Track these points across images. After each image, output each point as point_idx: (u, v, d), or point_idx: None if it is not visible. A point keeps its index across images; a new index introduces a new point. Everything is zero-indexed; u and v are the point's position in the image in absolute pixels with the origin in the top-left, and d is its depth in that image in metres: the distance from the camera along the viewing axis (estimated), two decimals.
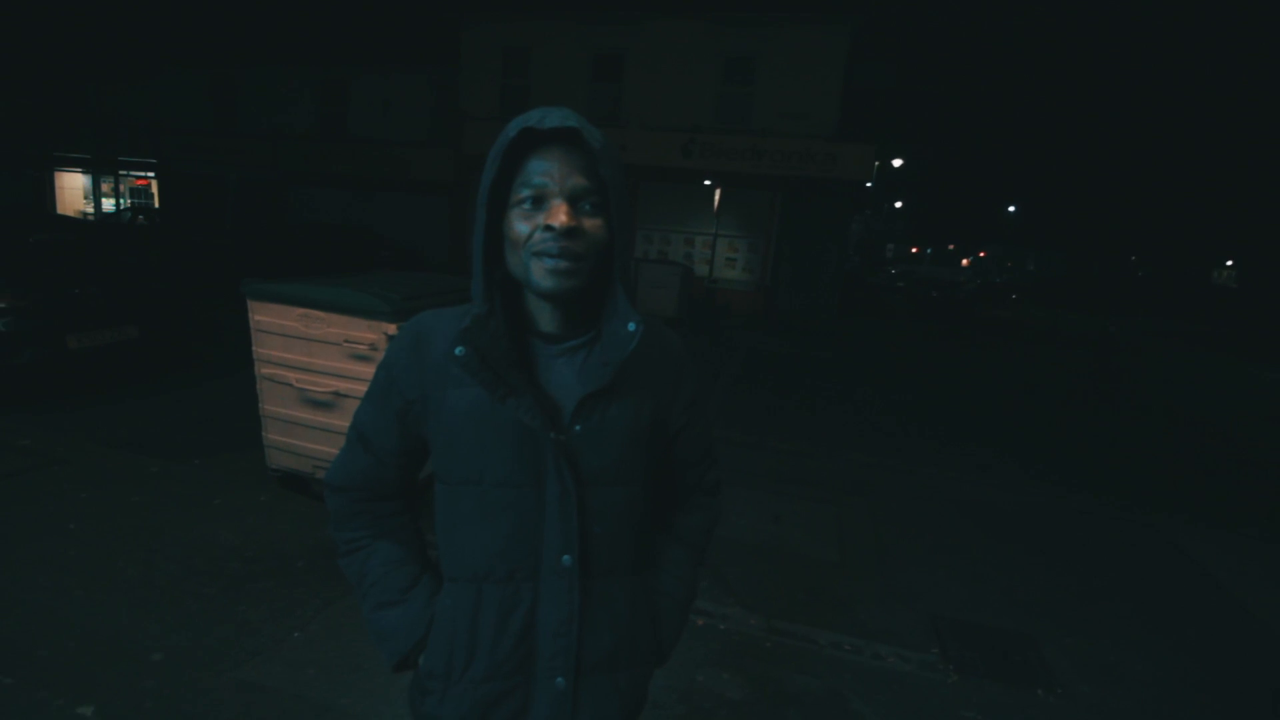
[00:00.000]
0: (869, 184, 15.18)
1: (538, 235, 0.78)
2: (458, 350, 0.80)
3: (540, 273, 0.79)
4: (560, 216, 0.77)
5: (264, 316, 3.40)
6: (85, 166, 19.74)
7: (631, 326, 0.84)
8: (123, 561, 2.80)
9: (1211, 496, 4.98)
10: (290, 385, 3.40)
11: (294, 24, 16.62)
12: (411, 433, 0.91)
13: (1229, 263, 30.05)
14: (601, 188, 0.80)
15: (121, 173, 19.38)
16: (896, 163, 23.95)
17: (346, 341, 3.22)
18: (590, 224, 0.80)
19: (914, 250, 51.99)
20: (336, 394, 3.31)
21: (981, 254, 47.72)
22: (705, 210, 14.54)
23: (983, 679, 2.59)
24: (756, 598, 3.01)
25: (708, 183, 14.02)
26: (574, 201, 0.79)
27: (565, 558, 0.85)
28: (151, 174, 18.96)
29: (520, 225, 0.79)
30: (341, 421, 3.31)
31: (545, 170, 0.78)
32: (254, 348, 3.47)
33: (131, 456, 3.90)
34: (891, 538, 3.78)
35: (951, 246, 50.04)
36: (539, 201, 0.79)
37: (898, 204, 42.08)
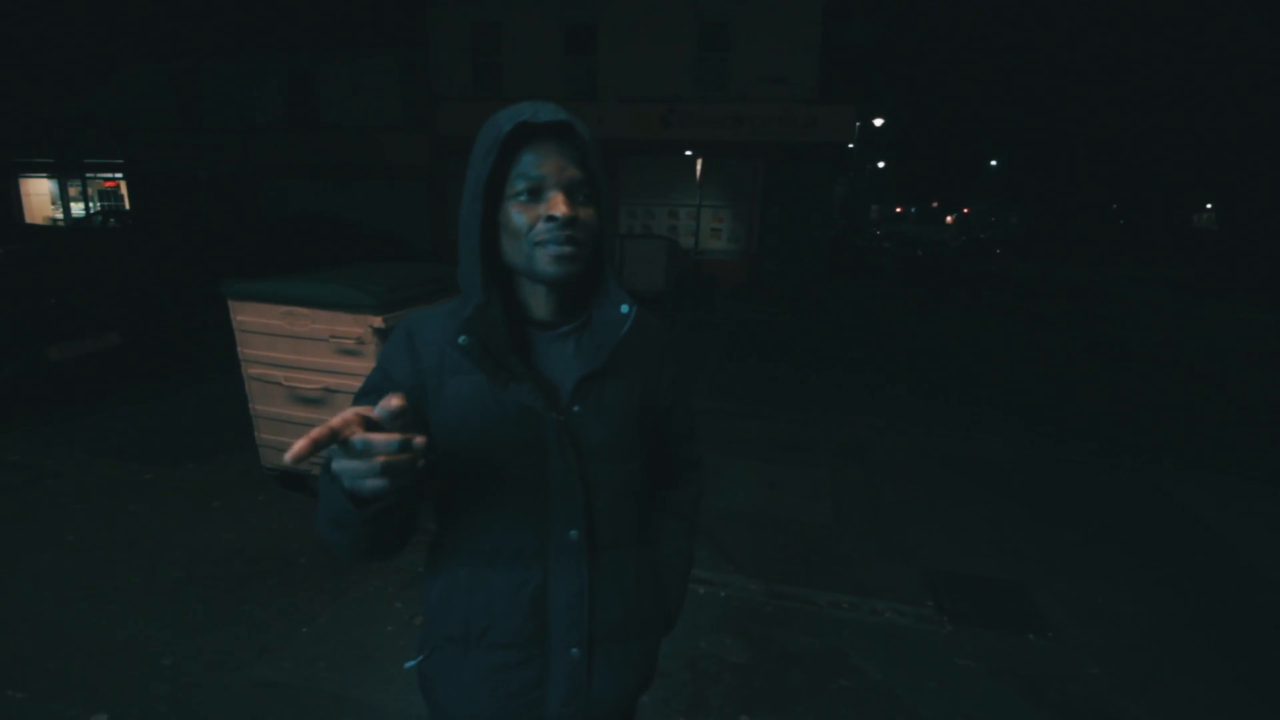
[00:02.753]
0: (851, 145, 15.07)
1: (541, 225, 0.82)
2: (461, 339, 0.83)
3: (545, 261, 0.82)
4: (562, 207, 0.81)
5: (246, 316, 3.37)
6: (50, 171, 19.25)
7: (625, 309, 0.90)
8: (125, 570, 2.82)
9: (1195, 438, 5.09)
10: (279, 384, 3.39)
11: (254, 11, 16.12)
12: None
13: (1208, 206, 30.17)
14: (592, 178, 0.85)
15: (88, 175, 18.93)
16: (878, 122, 23.73)
17: (333, 337, 3.20)
18: (585, 213, 0.84)
19: (898, 210, 51.83)
20: (326, 390, 3.30)
21: (965, 210, 47.67)
22: (688, 181, 14.40)
23: (977, 627, 2.67)
24: (755, 564, 3.08)
25: (689, 153, 13.86)
26: (569, 192, 0.83)
27: (572, 533, 0.89)
28: (119, 175, 18.53)
29: (519, 216, 0.82)
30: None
31: (541, 162, 0.82)
32: (239, 348, 3.44)
33: (124, 465, 3.88)
34: (885, 497, 3.85)
35: (935, 204, 49.96)
36: (536, 193, 0.82)
37: (880, 164, 41.82)
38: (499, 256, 0.87)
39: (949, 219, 48.26)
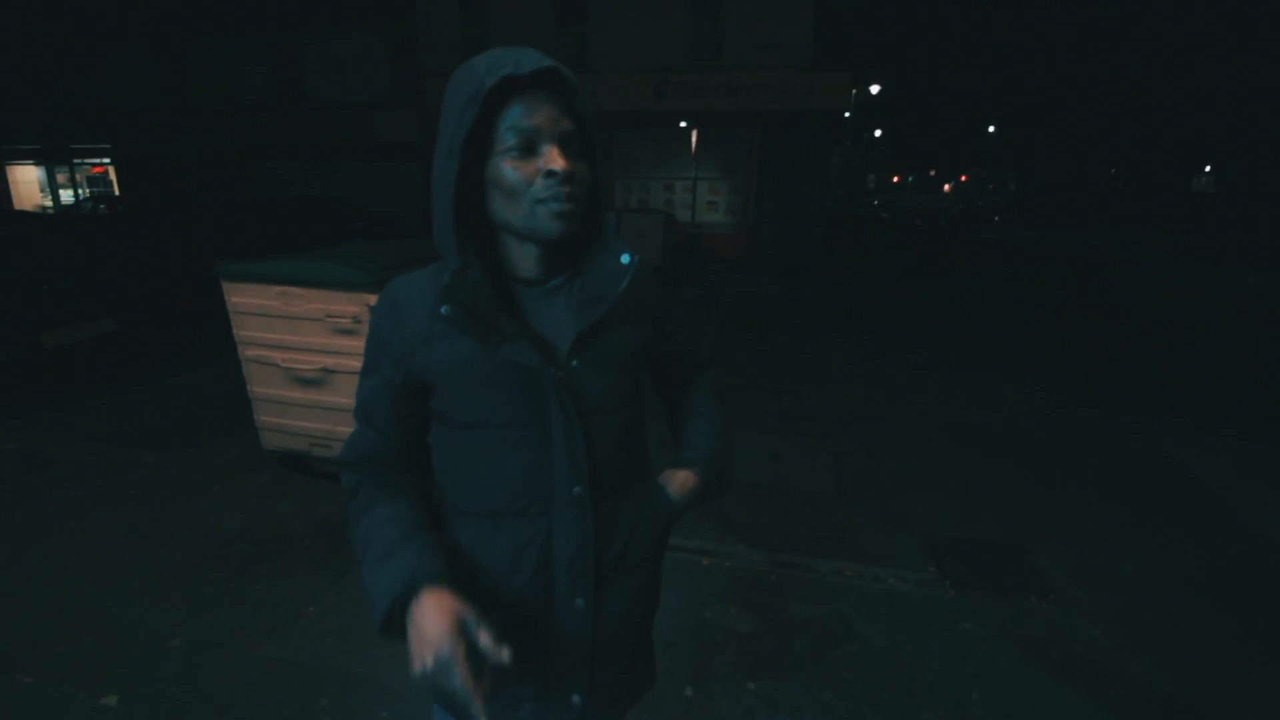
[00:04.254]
0: (847, 114, 14.85)
1: (541, 182, 0.78)
2: (444, 310, 0.81)
3: (547, 218, 0.79)
4: (559, 161, 0.78)
5: (241, 298, 3.34)
6: (36, 158, 18.97)
7: (625, 259, 0.88)
8: (129, 554, 2.83)
9: (1194, 400, 5.10)
10: (277, 365, 3.36)
11: None
12: (407, 399, 0.90)
13: (1207, 168, 29.88)
14: (582, 128, 0.82)
15: (76, 161, 18.66)
16: (874, 89, 23.37)
17: (329, 316, 3.17)
18: (580, 167, 0.82)
19: (895, 180, 51.30)
20: (325, 370, 3.28)
21: (963, 178, 47.16)
22: (683, 154, 14.21)
23: (979, 592, 2.68)
24: (759, 534, 3.09)
25: (683, 124, 13.65)
26: (564, 145, 0.80)
27: (576, 488, 0.88)
28: (108, 160, 18.26)
29: (513, 173, 0.79)
30: (334, 397, 3.30)
31: (532, 114, 0.78)
32: (235, 330, 3.41)
33: (124, 450, 3.88)
34: (886, 466, 3.86)
35: (933, 173, 49.43)
36: (529, 149, 0.79)
37: (877, 133, 41.30)
38: (478, 214, 0.84)
39: (946, 187, 47.80)
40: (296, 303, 3.22)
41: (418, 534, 0.88)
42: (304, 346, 3.29)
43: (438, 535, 0.93)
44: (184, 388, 5.06)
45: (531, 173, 0.79)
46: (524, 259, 0.87)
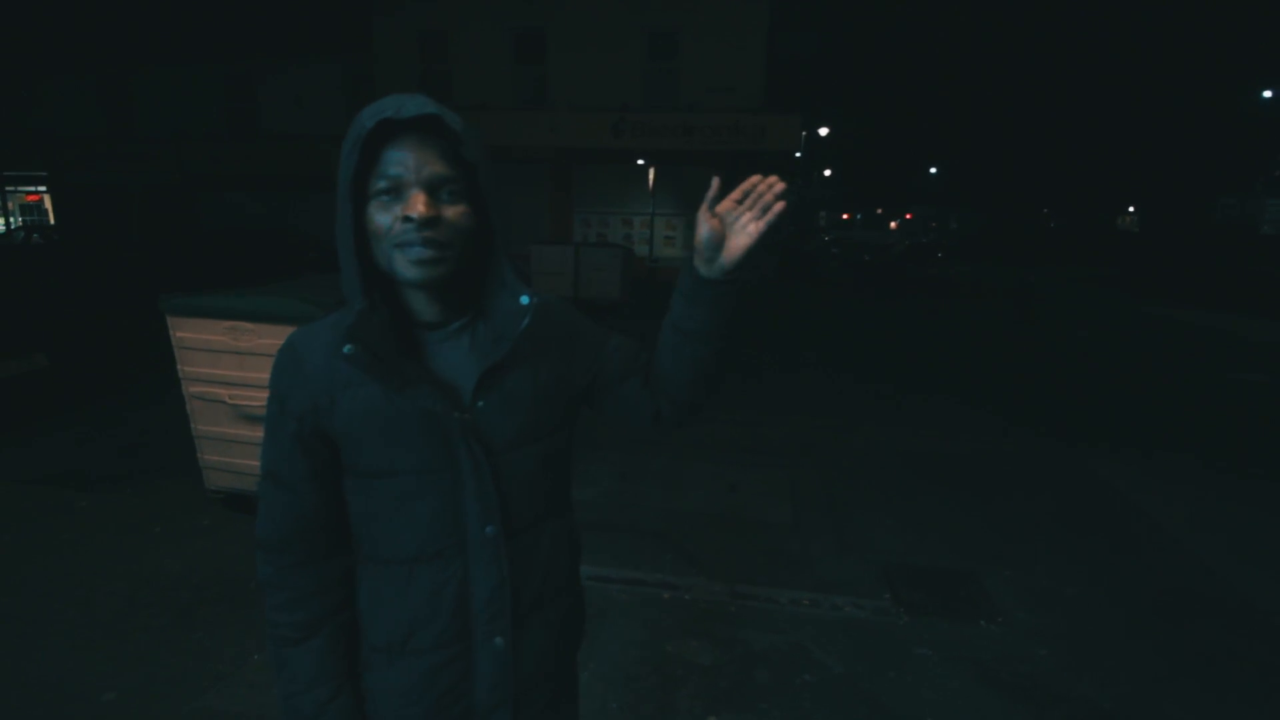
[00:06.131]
0: (798, 154, 15.49)
1: (398, 227, 0.78)
2: (346, 349, 0.79)
3: (404, 264, 0.79)
4: (419, 207, 0.76)
5: (187, 333, 3.24)
6: None
7: (525, 300, 0.87)
8: (60, 603, 2.66)
9: (1124, 425, 5.40)
10: (223, 402, 3.26)
11: (189, 18, 15.51)
12: (319, 452, 0.87)
13: (1130, 209, 32.16)
14: (464, 174, 0.81)
15: (9, 188, 17.86)
16: (823, 131, 24.49)
17: None
18: (452, 211, 0.80)
19: (845, 216, 53.37)
20: None
21: (908, 216, 49.38)
22: (641, 190, 14.53)
23: (932, 617, 2.76)
24: (718, 565, 3.11)
25: (641, 162, 14.00)
26: (432, 190, 0.78)
27: (488, 528, 0.87)
28: (43, 188, 17.53)
29: (380, 218, 0.78)
30: None
31: (401, 160, 0.77)
32: (179, 366, 3.31)
33: (56, 493, 3.66)
34: (841, 495, 3.95)
35: (880, 210, 51.62)
36: (396, 192, 0.78)
37: (827, 172, 43.05)
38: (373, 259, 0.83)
39: (893, 224, 49.89)
40: (247, 338, 3.15)
41: (342, 693, 0.90)
42: (253, 382, 3.20)
43: (353, 684, 0.92)
44: (122, 426, 4.82)
45: (394, 218, 0.78)
46: (417, 302, 0.87)
